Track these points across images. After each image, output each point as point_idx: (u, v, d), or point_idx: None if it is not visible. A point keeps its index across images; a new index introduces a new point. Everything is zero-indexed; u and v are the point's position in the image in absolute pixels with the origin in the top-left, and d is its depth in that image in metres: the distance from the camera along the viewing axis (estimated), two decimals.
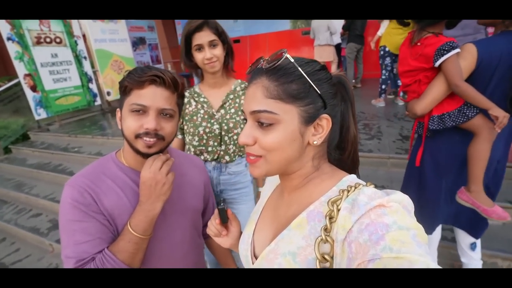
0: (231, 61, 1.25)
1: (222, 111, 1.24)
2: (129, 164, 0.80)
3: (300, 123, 0.48)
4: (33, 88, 4.37)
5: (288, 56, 0.48)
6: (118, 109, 0.78)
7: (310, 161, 0.53)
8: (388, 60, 3.60)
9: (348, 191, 0.46)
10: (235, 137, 1.24)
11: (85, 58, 5.15)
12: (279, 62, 0.47)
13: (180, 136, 1.33)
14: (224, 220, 0.71)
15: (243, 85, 1.27)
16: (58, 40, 4.73)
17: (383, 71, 3.69)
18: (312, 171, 0.53)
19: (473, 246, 1.44)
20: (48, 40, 4.57)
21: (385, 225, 0.37)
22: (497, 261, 1.56)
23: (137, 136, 0.72)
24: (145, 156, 0.75)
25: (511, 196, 1.81)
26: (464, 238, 1.46)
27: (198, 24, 1.12)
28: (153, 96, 0.71)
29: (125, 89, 0.73)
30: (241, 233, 0.72)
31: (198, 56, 1.15)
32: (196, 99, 1.27)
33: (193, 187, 0.91)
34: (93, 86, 5.32)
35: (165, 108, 0.73)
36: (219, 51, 1.15)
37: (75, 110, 5.13)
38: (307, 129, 0.49)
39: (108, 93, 5.47)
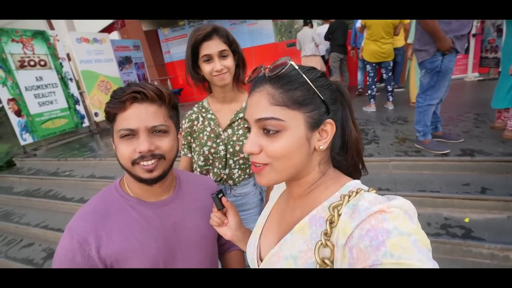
0: (242, 73, 1.11)
1: (230, 131, 1.10)
2: (134, 194, 0.73)
3: (306, 129, 0.48)
4: (18, 113, 4.22)
5: (293, 63, 0.48)
6: (112, 139, 0.73)
7: (317, 167, 0.53)
8: (368, 67, 3.88)
9: (349, 196, 0.46)
10: (241, 161, 1.10)
11: (71, 80, 5.05)
12: (283, 70, 0.48)
13: (189, 155, 1.21)
14: (218, 207, 0.72)
15: None
16: (42, 63, 4.63)
17: (368, 78, 3.94)
18: (319, 176, 0.54)
19: None
20: (32, 63, 4.47)
21: (385, 230, 0.37)
22: (508, 254, 1.58)
23: (134, 163, 0.66)
24: (149, 182, 0.68)
25: None
26: None
27: (206, 32, 0.98)
28: (138, 116, 0.65)
29: (109, 115, 0.67)
30: (240, 223, 0.75)
31: (206, 68, 1.02)
32: (204, 115, 1.15)
33: (206, 212, 0.83)
34: (80, 107, 5.20)
35: (155, 125, 0.66)
36: (229, 62, 1.03)
37: (62, 133, 4.98)
38: (313, 134, 0.50)
39: (96, 114, 5.36)
